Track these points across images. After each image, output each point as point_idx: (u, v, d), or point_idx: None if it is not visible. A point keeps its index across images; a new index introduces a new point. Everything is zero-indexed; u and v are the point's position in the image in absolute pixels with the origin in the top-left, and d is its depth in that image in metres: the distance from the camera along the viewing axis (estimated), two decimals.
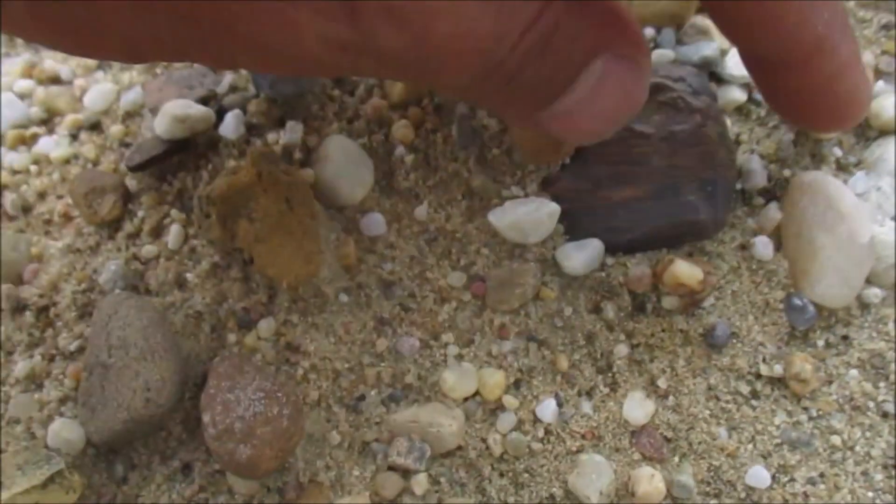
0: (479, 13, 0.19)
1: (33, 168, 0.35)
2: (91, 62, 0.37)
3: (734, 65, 0.31)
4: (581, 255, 0.29)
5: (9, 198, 0.35)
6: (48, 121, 0.36)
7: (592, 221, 0.29)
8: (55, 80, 0.37)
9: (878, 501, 0.28)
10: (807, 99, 0.25)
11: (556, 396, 0.29)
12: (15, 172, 0.35)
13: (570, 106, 0.21)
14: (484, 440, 0.29)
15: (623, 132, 0.28)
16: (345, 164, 0.31)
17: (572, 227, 0.30)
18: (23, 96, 0.37)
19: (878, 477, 0.28)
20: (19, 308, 0.32)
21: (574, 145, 0.29)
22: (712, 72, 0.31)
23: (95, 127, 0.35)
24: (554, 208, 0.28)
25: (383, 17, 0.18)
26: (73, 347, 0.31)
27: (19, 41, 0.40)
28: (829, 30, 0.23)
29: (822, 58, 0.24)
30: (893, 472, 0.28)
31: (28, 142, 0.36)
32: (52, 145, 0.35)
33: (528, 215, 0.28)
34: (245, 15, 0.17)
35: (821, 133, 0.30)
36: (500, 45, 0.19)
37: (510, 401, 0.29)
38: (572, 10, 0.20)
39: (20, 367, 0.31)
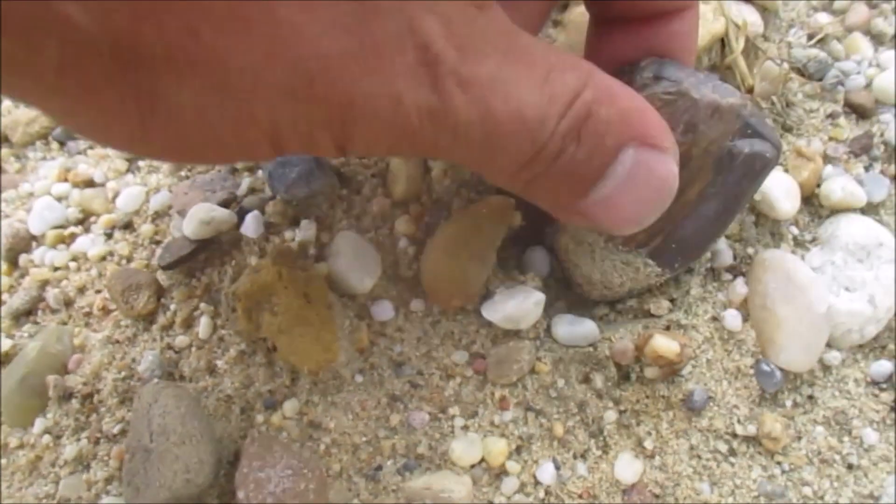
0: (525, 96, 0.22)
1: (72, 265, 0.39)
2: (121, 166, 0.41)
3: None
4: (574, 329, 0.33)
5: (51, 293, 0.38)
6: (84, 220, 0.40)
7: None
8: (89, 183, 0.41)
9: None
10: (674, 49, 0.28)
11: (554, 460, 0.33)
12: (56, 269, 0.39)
13: (608, 192, 0.24)
14: (491, 502, 0.32)
15: None
16: (354, 256, 0.34)
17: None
18: (60, 198, 0.41)
19: None
20: (66, 396, 0.36)
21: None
22: None
23: (128, 226, 0.39)
24: (539, 297, 0.32)
25: (456, 86, 0.21)
26: (116, 430, 0.34)
27: (55, 146, 0.44)
28: None
29: (695, 7, 0.27)
30: None
31: (67, 240, 0.39)
32: (89, 243, 0.39)
33: (517, 307, 0.31)
34: (365, 93, 0.20)
35: None
36: (543, 127, 0.22)
37: (513, 466, 0.32)
38: (601, 99, 0.23)
39: (69, 450, 0.34)
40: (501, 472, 0.33)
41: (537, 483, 0.32)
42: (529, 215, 0.33)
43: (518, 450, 0.33)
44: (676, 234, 0.30)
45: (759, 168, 0.29)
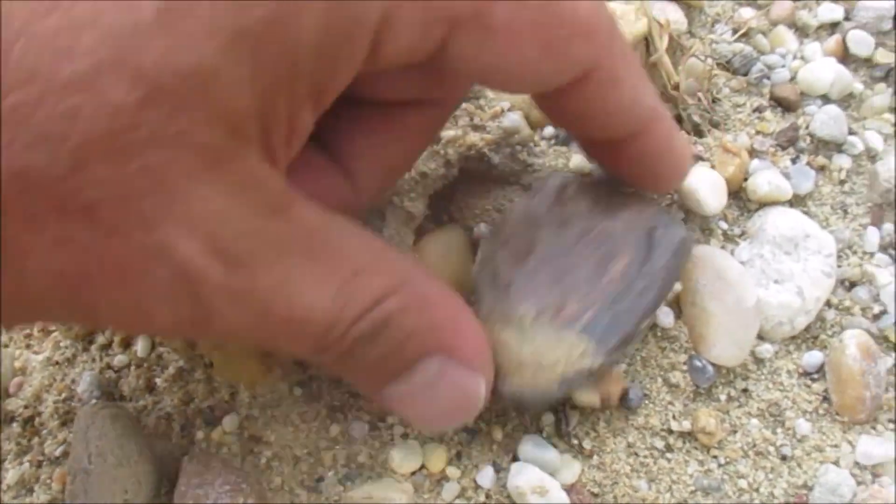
0: (314, 302, 0.21)
1: None
2: None
3: None
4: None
5: None
6: None
7: None
8: None
9: None
10: (651, 162, 0.29)
11: (494, 464, 0.33)
12: None
13: (403, 394, 0.24)
14: None
15: None
16: None
17: None
18: None
19: None
20: (7, 419, 0.35)
21: None
22: None
23: None
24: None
25: (225, 300, 0.20)
26: (58, 453, 0.34)
27: None
28: (655, 101, 0.27)
29: (658, 124, 0.27)
30: None
31: None
32: None
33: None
34: (109, 309, 0.20)
35: (661, 192, 0.33)
36: (330, 331, 0.22)
37: (453, 471, 0.33)
38: (410, 308, 0.23)
39: (11, 474, 0.34)
40: (442, 478, 0.33)
41: (478, 487, 0.33)
42: None
43: (458, 455, 0.33)
44: (607, 310, 0.30)
45: (678, 246, 0.31)
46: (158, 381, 0.34)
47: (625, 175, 0.31)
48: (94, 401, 0.34)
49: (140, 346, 0.35)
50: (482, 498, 0.33)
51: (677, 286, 0.34)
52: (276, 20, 0.19)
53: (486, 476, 0.33)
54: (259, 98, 0.19)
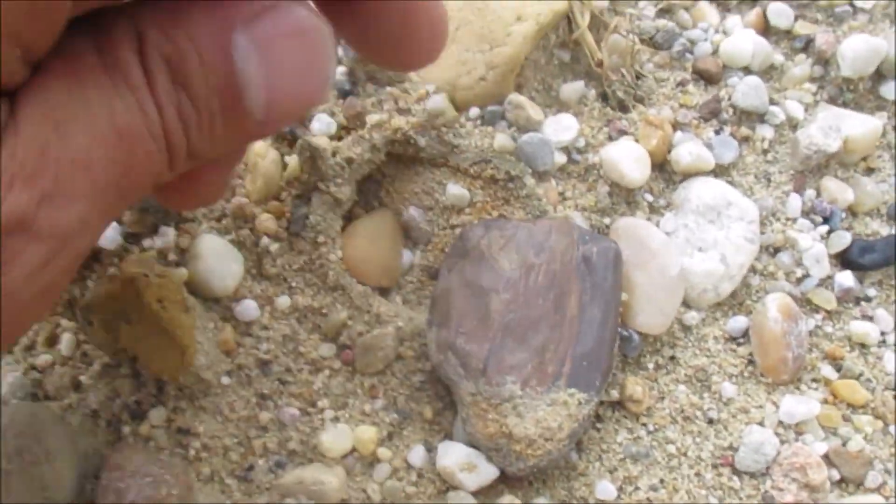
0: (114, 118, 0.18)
1: None
2: None
3: (553, 131, 0.35)
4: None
5: None
6: None
7: None
8: None
9: (710, 497, 0.32)
10: (398, 22, 0.23)
11: (425, 442, 0.33)
12: None
13: (260, 84, 0.20)
14: (364, 490, 0.32)
15: None
16: (215, 259, 0.34)
17: None
18: None
19: (709, 476, 0.32)
20: None
21: None
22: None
23: None
24: None
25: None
26: None
27: None
28: None
29: None
30: (721, 471, 0.32)
31: None
32: None
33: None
34: None
35: (416, 61, 0.25)
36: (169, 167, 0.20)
37: (384, 452, 0.33)
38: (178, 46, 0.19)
39: None
40: (374, 460, 0.33)
41: (409, 467, 0.33)
42: None
43: (390, 436, 0.33)
44: (579, 350, 0.31)
45: (613, 259, 0.32)
46: (84, 378, 0.34)
47: (373, 40, 0.24)
48: (14, 402, 0.34)
49: (64, 345, 0.34)
50: (413, 477, 0.32)
51: (624, 296, 0.34)
52: None
53: (417, 455, 0.32)
54: None
